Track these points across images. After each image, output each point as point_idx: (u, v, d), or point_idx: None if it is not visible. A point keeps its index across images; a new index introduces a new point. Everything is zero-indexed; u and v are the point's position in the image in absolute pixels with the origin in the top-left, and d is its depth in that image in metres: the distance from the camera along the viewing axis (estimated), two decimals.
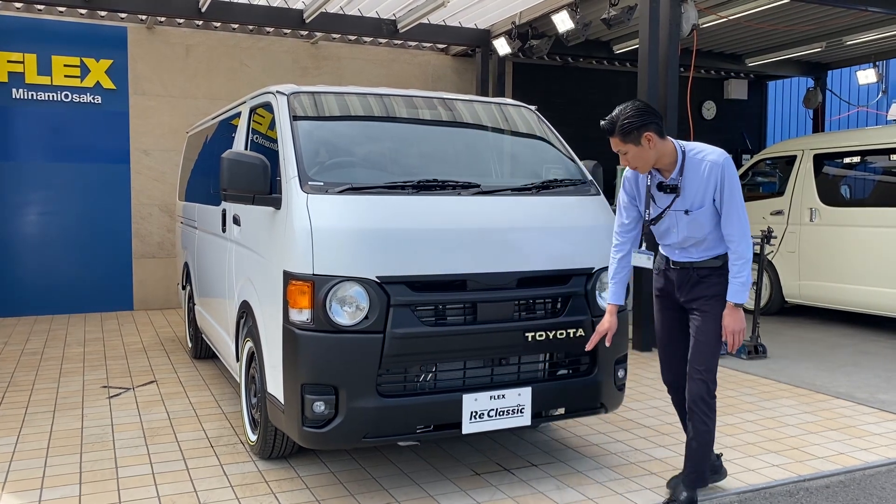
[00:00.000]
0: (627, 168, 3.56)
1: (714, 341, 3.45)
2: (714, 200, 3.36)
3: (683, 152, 3.40)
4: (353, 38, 10.64)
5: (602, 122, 3.43)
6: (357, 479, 3.97)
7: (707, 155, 3.37)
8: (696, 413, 3.46)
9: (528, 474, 4.06)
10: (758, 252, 7.05)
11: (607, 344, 3.75)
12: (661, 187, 3.43)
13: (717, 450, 4.07)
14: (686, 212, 3.39)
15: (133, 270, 9.69)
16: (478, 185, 3.96)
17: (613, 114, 3.40)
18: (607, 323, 3.69)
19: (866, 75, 11.95)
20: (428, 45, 11.17)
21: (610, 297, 3.73)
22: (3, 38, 8.90)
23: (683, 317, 3.64)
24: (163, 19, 9.55)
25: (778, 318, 9.07)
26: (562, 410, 4.01)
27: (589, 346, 3.75)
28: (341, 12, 9.59)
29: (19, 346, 7.37)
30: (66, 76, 9.17)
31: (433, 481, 3.95)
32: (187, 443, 4.54)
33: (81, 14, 9.26)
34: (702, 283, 3.48)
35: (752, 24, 10.09)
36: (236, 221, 4.72)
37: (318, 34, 10.11)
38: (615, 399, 4.13)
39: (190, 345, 6.99)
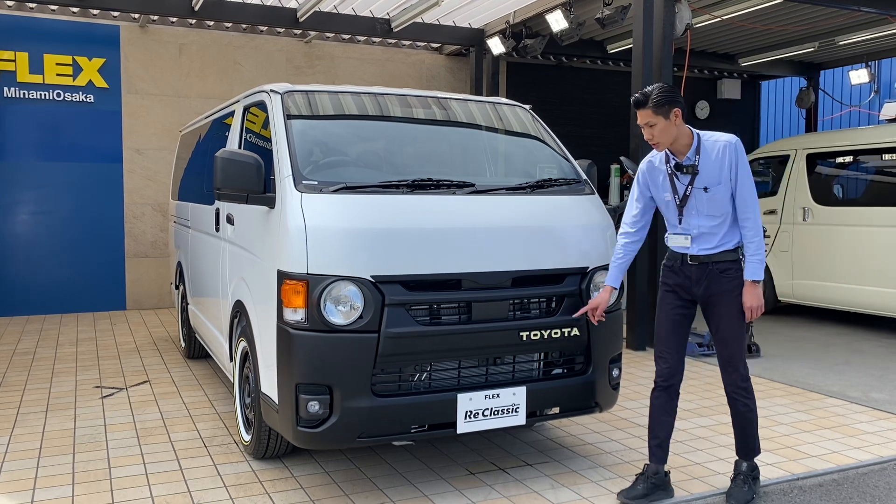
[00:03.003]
0: (642, 162, 3.81)
1: (739, 331, 3.64)
2: (730, 180, 3.56)
3: (699, 136, 3.63)
4: (346, 37, 10.63)
5: (635, 96, 3.62)
6: (351, 479, 3.96)
7: (720, 137, 3.62)
8: (737, 399, 3.69)
9: (522, 473, 4.06)
10: None
11: (594, 321, 3.82)
12: (679, 167, 3.62)
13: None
14: (705, 189, 3.57)
15: (126, 270, 9.66)
16: (472, 185, 3.96)
17: (646, 90, 3.61)
18: (599, 299, 3.81)
19: (858, 75, 12.00)
20: (422, 44, 11.16)
21: (607, 278, 3.85)
22: None
23: (689, 311, 3.75)
24: (156, 18, 9.52)
25: (771, 318, 9.09)
26: (556, 410, 4.01)
27: (576, 315, 3.85)
28: (335, 11, 9.58)
29: (11, 346, 7.34)
30: (58, 75, 9.13)
31: (428, 481, 3.94)
32: (181, 443, 4.52)
33: (74, 13, 9.23)
34: (722, 276, 3.61)
35: (745, 24, 10.12)
36: (230, 221, 4.70)
37: (312, 33, 10.09)
38: (610, 398, 4.14)
39: (183, 344, 6.96)
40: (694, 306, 3.74)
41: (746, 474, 3.73)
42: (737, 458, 3.81)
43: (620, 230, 3.88)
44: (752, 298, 3.56)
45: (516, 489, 3.85)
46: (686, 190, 3.61)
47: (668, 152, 3.66)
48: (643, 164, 3.81)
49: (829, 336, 8.07)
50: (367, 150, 4.22)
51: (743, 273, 3.58)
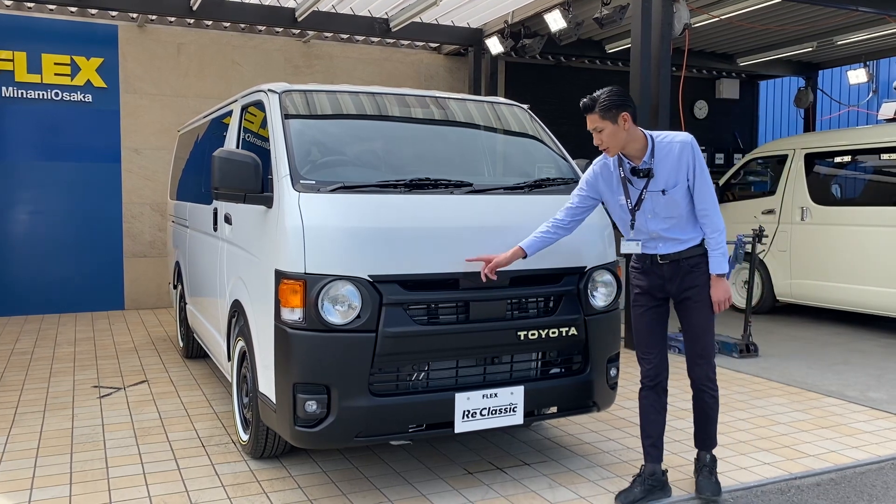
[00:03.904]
0: (594, 163, 3.77)
1: (710, 325, 3.67)
2: (688, 179, 3.54)
3: (652, 138, 3.58)
4: (345, 36, 10.62)
5: (583, 101, 3.57)
6: (349, 479, 3.96)
7: (675, 138, 3.57)
8: (705, 391, 3.71)
9: (520, 473, 4.06)
10: (749, 251, 7.07)
11: (482, 276, 3.63)
12: (635, 171, 3.59)
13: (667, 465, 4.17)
14: (663, 192, 3.54)
15: (124, 270, 9.65)
16: (470, 184, 3.96)
17: (594, 94, 3.57)
18: (500, 256, 3.64)
19: (857, 75, 12.01)
20: (420, 43, 11.16)
21: (523, 242, 3.70)
22: None
23: (664, 309, 3.75)
24: (154, 18, 9.51)
25: (769, 317, 9.10)
26: (554, 409, 4.02)
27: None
28: (333, 11, 9.58)
29: (9, 346, 7.33)
30: (56, 74, 9.12)
31: (426, 480, 3.94)
32: (179, 442, 4.52)
33: (72, 12, 9.22)
34: (693, 272, 3.61)
35: (743, 24, 10.13)
36: (227, 220, 4.70)
37: (311, 33, 10.08)
38: (607, 398, 4.14)
39: (181, 344, 6.96)
40: (667, 303, 3.75)
41: (711, 466, 3.77)
42: (698, 450, 3.82)
43: (556, 216, 3.77)
44: (719, 292, 3.59)
45: (514, 488, 3.85)
46: (641, 194, 3.59)
47: (620, 156, 3.62)
48: (597, 166, 3.75)
49: (827, 336, 8.07)
50: (365, 149, 4.21)
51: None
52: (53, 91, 9.13)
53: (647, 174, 3.54)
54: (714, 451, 3.85)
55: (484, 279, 3.67)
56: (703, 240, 3.61)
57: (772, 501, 3.73)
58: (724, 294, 3.59)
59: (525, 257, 3.72)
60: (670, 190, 3.52)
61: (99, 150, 9.43)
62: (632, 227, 3.67)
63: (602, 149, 3.59)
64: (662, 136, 3.58)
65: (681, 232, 3.59)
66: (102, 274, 9.54)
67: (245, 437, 4.30)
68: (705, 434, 3.78)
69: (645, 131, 3.59)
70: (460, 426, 3.64)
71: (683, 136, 3.55)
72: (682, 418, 5.03)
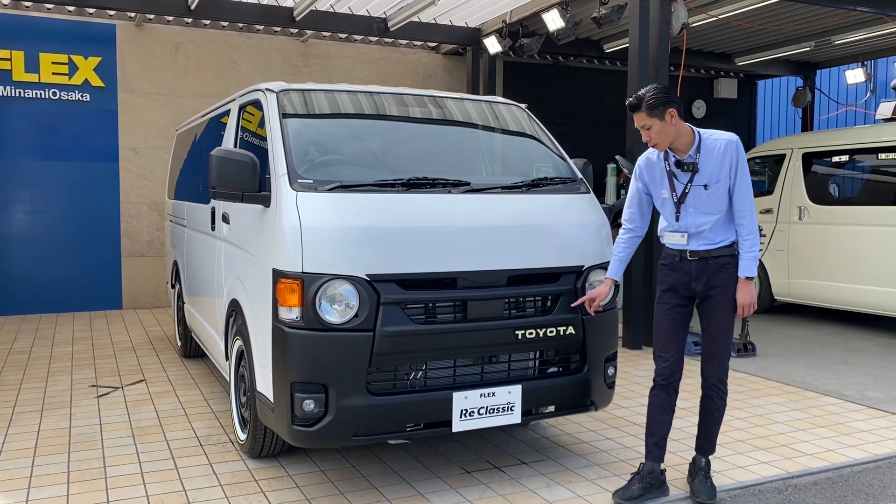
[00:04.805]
0: (640, 158, 3.83)
1: (730, 326, 3.70)
2: (729, 178, 3.59)
3: (700, 134, 3.65)
4: (343, 36, 10.62)
5: (629, 100, 3.66)
6: (347, 478, 3.96)
7: (721, 136, 3.66)
8: (715, 392, 3.74)
9: (518, 472, 4.06)
10: None
11: (590, 311, 3.88)
12: (679, 164, 3.64)
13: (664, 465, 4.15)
14: (705, 186, 3.60)
15: (122, 269, 9.64)
16: (468, 183, 3.96)
17: (639, 92, 3.64)
18: (598, 290, 3.88)
19: (854, 75, 12.02)
20: (418, 43, 11.16)
21: (609, 271, 3.92)
22: None
23: (688, 310, 3.76)
24: (152, 17, 9.51)
25: (767, 317, 9.11)
26: (552, 408, 4.02)
27: (575, 304, 3.90)
28: (331, 10, 9.58)
29: (7, 346, 7.32)
30: (53, 73, 9.11)
31: (424, 479, 3.94)
32: (176, 442, 4.52)
33: (69, 11, 9.21)
34: (721, 271, 3.63)
35: (741, 24, 10.13)
36: (225, 219, 4.70)
37: (309, 32, 10.08)
38: (605, 397, 4.14)
39: (179, 343, 6.96)
40: (692, 304, 3.75)
41: (706, 470, 3.77)
42: (696, 454, 3.83)
43: (623, 227, 3.91)
44: (745, 295, 3.61)
45: (512, 487, 3.85)
46: (685, 188, 3.63)
47: (668, 150, 3.68)
48: (641, 160, 3.83)
49: (825, 335, 8.08)
50: (362, 148, 4.21)
51: (738, 270, 3.62)
52: (51, 90, 9.13)
53: (692, 168, 3.60)
54: (710, 457, 3.86)
55: (592, 314, 3.89)
56: (733, 242, 3.64)
57: (769, 500, 3.74)
58: (750, 298, 3.61)
59: (618, 284, 3.95)
60: (712, 185, 3.58)
61: (97, 149, 9.42)
62: (677, 220, 3.69)
63: (651, 145, 3.65)
64: (709, 134, 3.66)
65: (715, 234, 3.63)
66: (100, 273, 9.53)
67: (243, 437, 4.30)
68: (707, 437, 3.79)
69: (693, 127, 3.66)
70: (458, 425, 3.65)
71: (729, 136, 3.63)
72: (682, 418, 5.03)
